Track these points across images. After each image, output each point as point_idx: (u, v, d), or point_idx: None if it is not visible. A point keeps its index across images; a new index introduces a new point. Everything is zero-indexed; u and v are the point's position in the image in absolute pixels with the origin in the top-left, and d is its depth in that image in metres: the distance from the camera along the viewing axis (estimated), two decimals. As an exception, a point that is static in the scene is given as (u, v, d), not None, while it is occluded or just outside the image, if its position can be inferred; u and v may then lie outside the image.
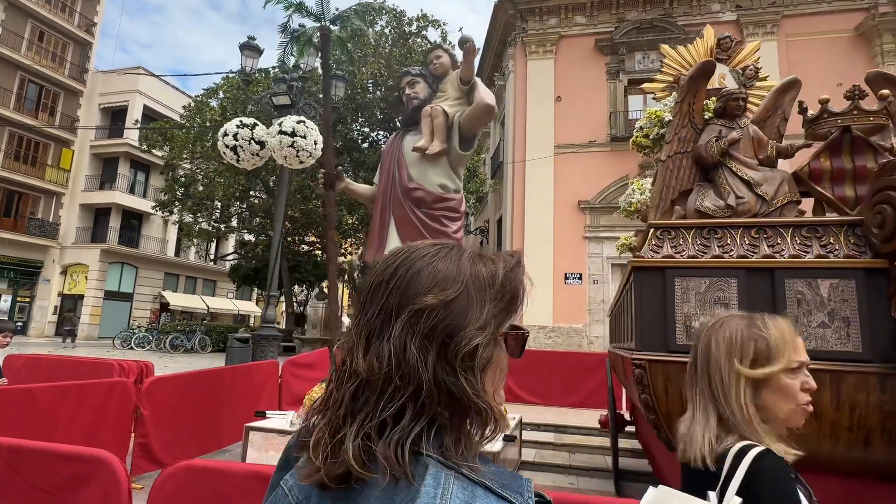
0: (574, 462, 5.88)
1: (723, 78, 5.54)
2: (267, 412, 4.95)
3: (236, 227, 23.18)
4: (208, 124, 18.00)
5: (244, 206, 22.33)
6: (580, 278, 15.53)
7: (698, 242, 2.33)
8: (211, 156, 18.48)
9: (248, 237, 24.79)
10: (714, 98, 2.88)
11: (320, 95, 13.44)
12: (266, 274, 21.54)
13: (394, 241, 5.11)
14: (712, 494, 1.01)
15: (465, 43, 5.10)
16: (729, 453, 1.04)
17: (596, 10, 16.55)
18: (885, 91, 2.50)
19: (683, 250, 2.32)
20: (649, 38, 15.87)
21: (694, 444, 1.10)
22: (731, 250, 2.26)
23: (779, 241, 2.23)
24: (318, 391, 4.77)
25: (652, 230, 2.42)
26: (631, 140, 3.29)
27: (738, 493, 0.98)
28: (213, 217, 22.10)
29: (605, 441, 6.48)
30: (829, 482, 2.16)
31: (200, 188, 20.42)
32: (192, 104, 19.57)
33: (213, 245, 29.74)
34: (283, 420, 4.55)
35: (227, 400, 5.89)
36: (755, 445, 1.04)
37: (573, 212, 15.82)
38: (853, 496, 2.12)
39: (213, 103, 18.66)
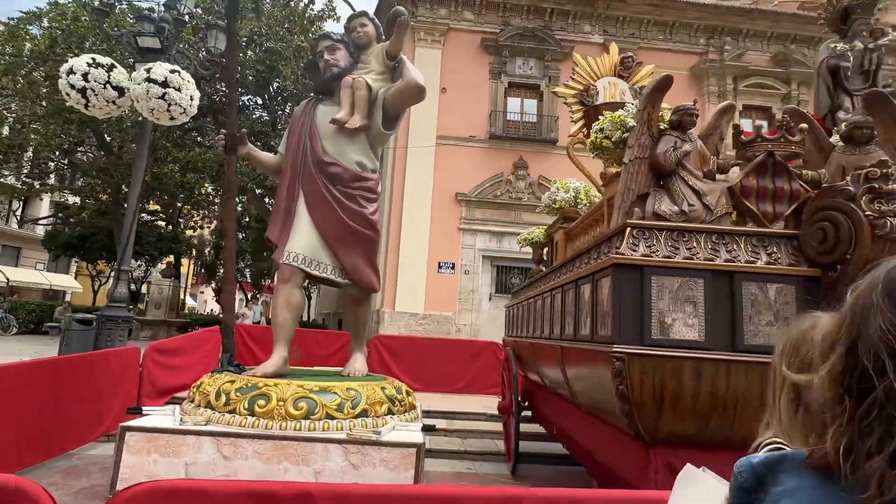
0: (468, 447, 6.05)
1: (623, 93, 6.07)
2: (143, 408, 4.19)
3: (56, 186, 19.36)
4: (26, 56, 14.67)
5: (66, 161, 18.72)
6: (453, 268, 16.01)
7: (669, 244, 2.50)
8: (27, 95, 15.13)
9: (73, 199, 20.88)
10: (668, 107, 3.11)
11: (183, 45, 11.74)
12: (93, 244, 18.34)
13: (303, 218, 4.69)
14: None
15: (398, 16, 4.84)
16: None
17: (484, 10, 17.05)
18: (805, 125, 2.95)
19: (657, 250, 2.47)
20: (530, 46, 16.86)
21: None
22: (698, 253, 2.47)
23: (735, 248, 2.50)
24: (209, 382, 4.18)
25: (629, 229, 2.54)
26: (589, 141, 3.43)
27: None
28: (24, 171, 18.16)
29: (493, 426, 6.79)
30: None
31: (7, 132, 16.61)
32: (3, 29, 15.74)
33: (21, 205, 24.46)
34: (168, 417, 3.89)
35: (76, 395, 4.87)
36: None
37: (450, 203, 16.21)
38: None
39: (35, 32, 15.23)
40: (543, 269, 6.16)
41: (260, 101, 17.49)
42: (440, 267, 15.92)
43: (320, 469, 3.58)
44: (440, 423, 6.62)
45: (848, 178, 2.28)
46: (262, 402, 3.82)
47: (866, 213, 2.13)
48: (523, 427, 5.52)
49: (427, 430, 4.12)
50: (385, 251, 15.65)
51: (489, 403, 7.74)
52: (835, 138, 3.43)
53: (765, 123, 17.16)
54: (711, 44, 17.49)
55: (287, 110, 15.30)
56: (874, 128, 2.95)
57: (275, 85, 15.71)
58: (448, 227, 16.03)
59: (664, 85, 2.99)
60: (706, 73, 17.20)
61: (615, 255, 2.44)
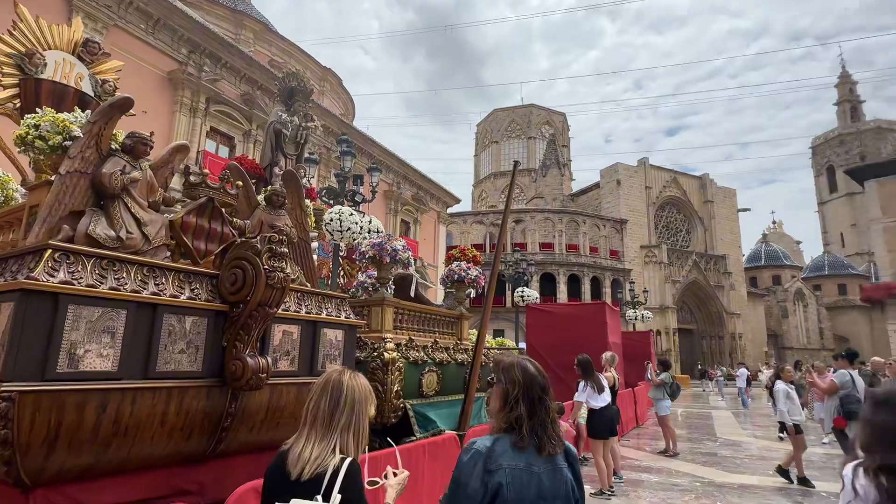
0: None
1: (81, 78, 5.40)
2: None
3: None
4: None
5: None
6: None
7: (97, 272, 2.41)
8: None
9: None
10: (122, 131, 3.04)
11: None
12: None
13: None
14: (319, 498, 1.53)
15: None
16: (329, 466, 1.61)
17: None
18: (240, 182, 3.55)
19: (81, 278, 2.33)
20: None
21: (313, 463, 1.60)
22: (126, 284, 2.50)
23: (163, 282, 2.69)
24: None
25: (49, 252, 2.27)
26: (16, 133, 2.75)
27: (339, 491, 1.54)
28: None
29: None
30: (151, 474, 2.72)
31: None
32: None
33: None
34: None
35: None
36: (347, 457, 1.65)
37: None
38: (168, 480, 2.76)
39: None
40: None
41: None
42: None
43: None
44: None
45: (258, 237, 2.96)
46: None
47: (265, 266, 2.82)
48: None
49: None
50: None
51: None
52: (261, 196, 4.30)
53: (228, 150, 18.58)
54: (192, 58, 17.88)
55: None
56: (286, 197, 3.93)
57: None
58: None
59: (124, 105, 2.93)
60: (183, 83, 17.36)
61: (26, 281, 2.15)
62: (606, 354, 7.65)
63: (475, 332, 8.76)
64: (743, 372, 22.14)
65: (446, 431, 5.24)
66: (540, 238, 42.70)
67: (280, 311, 3.21)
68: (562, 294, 39.96)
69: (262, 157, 7.79)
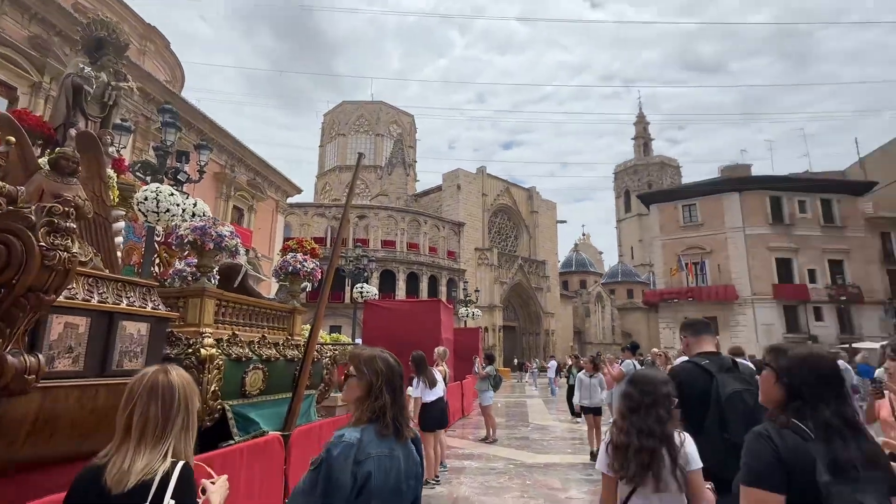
0: None
1: None
2: None
3: None
4: None
5: None
6: None
7: None
8: None
9: None
10: None
11: None
12: None
13: None
14: None
15: None
16: (159, 471, 1.43)
17: None
18: (12, 138, 2.84)
19: None
20: None
21: (140, 473, 1.40)
22: None
23: None
24: None
25: None
26: None
27: (172, 496, 1.42)
28: None
29: None
30: None
31: None
32: None
33: None
34: None
35: None
36: (179, 461, 1.49)
37: None
38: None
39: None
40: None
41: None
42: None
43: None
44: None
45: (32, 206, 2.39)
46: None
47: (41, 243, 2.29)
48: None
49: None
50: None
51: None
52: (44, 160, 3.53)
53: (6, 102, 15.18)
54: (-43, -21, 14.07)
55: None
56: (81, 163, 3.27)
57: None
58: None
59: None
60: (-60, 9, 13.55)
61: None
62: (439, 349, 7.96)
63: (308, 327, 8.42)
64: (553, 364, 25.09)
65: (269, 433, 4.91)
66: (382, 235, 43.00)
67: (62, 298, 2.66)
68: (401, 291, 40.77)
69: (54, 115, 6.46)
